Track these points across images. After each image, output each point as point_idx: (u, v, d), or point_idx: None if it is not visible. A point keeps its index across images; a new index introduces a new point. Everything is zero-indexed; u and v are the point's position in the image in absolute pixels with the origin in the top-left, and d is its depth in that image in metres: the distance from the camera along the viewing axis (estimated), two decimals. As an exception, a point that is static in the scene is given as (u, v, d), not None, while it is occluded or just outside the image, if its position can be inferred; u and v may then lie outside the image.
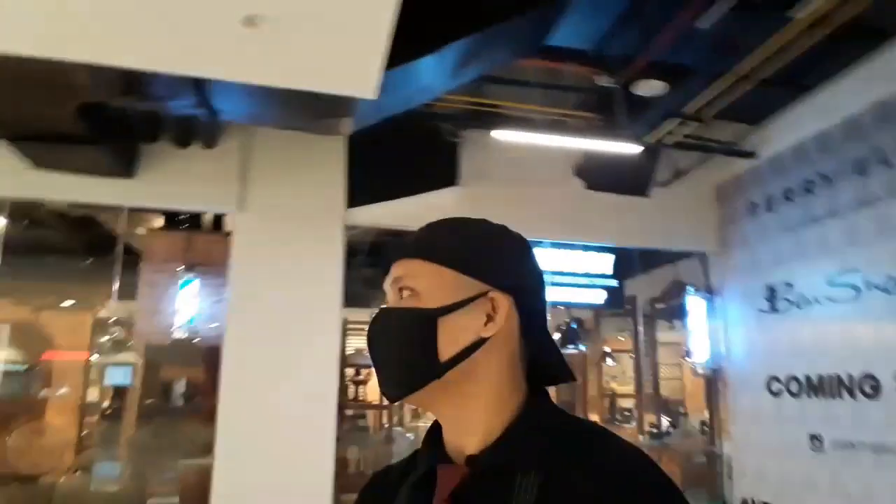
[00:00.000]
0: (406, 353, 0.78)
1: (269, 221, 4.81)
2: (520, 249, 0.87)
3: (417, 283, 0.79)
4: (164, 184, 4.73)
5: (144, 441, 5.39)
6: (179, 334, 4.96)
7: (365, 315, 6.58)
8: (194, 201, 4.88)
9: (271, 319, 4.61)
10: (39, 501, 5.17)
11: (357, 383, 5.46)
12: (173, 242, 5.40)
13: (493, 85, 4.64)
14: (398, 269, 0.81)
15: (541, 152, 4.85)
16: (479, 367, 0.77)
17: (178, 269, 5.24)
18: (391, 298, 0.82)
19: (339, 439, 4.68)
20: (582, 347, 9.23)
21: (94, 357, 7.75)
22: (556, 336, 8.57)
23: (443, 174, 4.94)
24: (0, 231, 5.62)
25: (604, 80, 4.18)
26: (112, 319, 6.88)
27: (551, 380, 0.85)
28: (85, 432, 7.54)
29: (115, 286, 4.87)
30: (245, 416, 4.41)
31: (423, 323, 0.76)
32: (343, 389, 5.06)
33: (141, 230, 5.69)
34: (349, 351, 5.89)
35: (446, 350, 0.76)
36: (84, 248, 5.63)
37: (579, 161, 5.14)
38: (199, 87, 3.19)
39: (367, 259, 6.80)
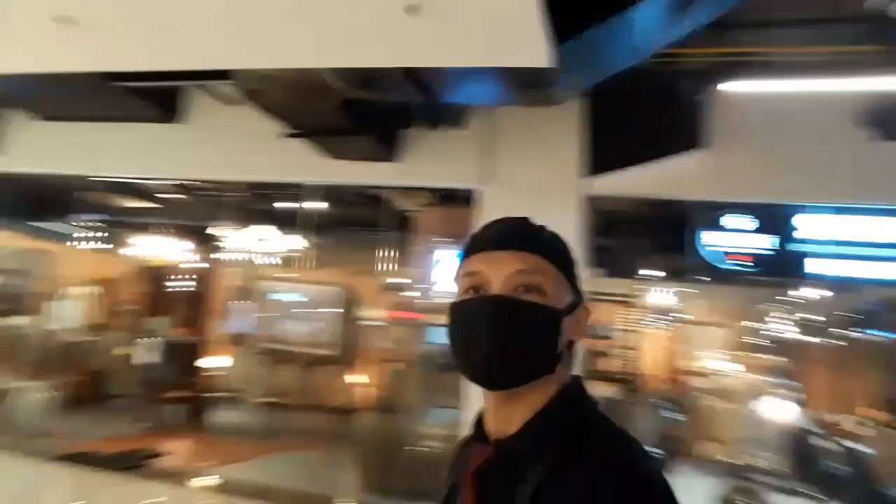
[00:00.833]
0: (535, 346, 0.83)
1: (509, 195, 5.02)
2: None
3: (546, 282, 0.84)
4: (419, 164, 5.31)
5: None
6: (439, 299, 5.54)
7: (623, 286, 6.38)
8: (444, 178, 5.35)
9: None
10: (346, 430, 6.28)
11: (596, 354, 5.39)
12: (437, 217, 6.02)
13: (740, 30, 4.05)
14: (519, 261, 0.85)
15: (808, 103, 4.08)
16: (563, 364, 0.87)
17: (440, 241, 5.84)
18: (503, 286, 0.84)
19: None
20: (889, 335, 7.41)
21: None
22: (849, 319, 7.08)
23: (683, 137, 4.51)
24: (318, 212, 7.00)
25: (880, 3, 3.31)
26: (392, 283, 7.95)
27: None
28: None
29: (385, 255, 5.66)
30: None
31: (554, 321, 0.83)
32: (583, 361, 5.06)
33: (415, 206, 6.45)
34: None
35: (560, 348, 0.84)
36: (375, 222, 6.59)
37: (865, 108, 4.16)
38: (411, 76, 3.53)
39: (629, 228, 6.58)
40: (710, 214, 5.18)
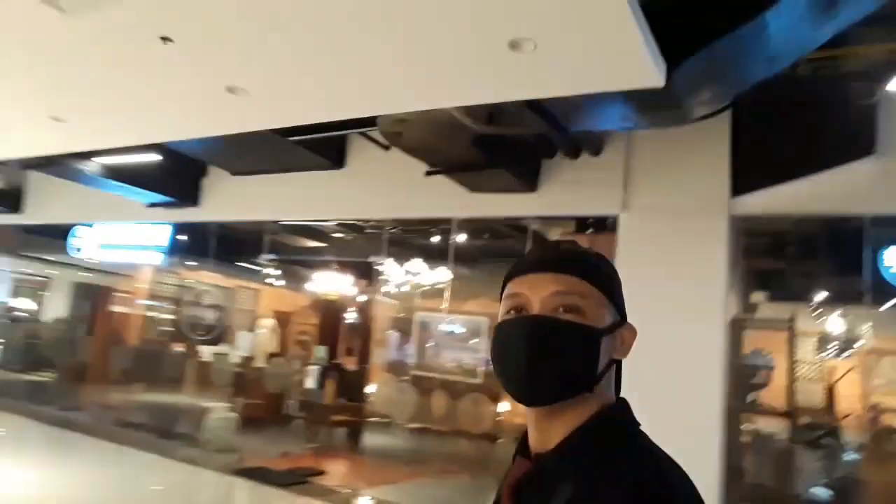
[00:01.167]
0: (572, 364, 0.85)
1: (651, 220, 4.86)
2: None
3: (585, 302, 0.86)
4: (559, 193, 5.32)
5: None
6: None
7: (788, 311, 5.77)
8: (584, 207, 5.31)
9: (652, 318, 4.62)
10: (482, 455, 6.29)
11: (753, 387, 4.87)
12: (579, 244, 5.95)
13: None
14: (558, 282, 0.87)
15: None
16: (603, 383, 0.89)
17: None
18: (542, 307, 0.87)
19: (732, 447, 4.36)
20: None
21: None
22: None
23: (850, 145, 4.07)
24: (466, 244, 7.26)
25: None
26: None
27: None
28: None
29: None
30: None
31: (593, 340, 0.85)
32: (738, 392, 4.65)
33: (555, 234, 6.44)
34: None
35: (599, 366, 0.86)
36: (521, 252, 6.69)
37: None
38: (533, 108, 3.61)
39: (797, 248, 5.99)
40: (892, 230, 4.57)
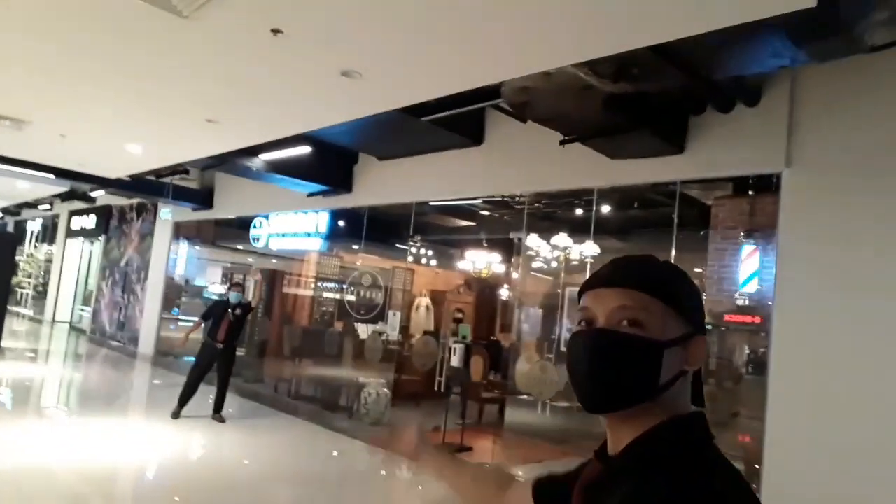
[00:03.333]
0: (632, 375, 0.91)
1: (821, 175, 4.19)
2: (700, 295, 1.01)
3: (646, 317, 0.91)
4: (710, 152, 4.79)
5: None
6: (741, 301, 4.90)
7: None
8: (740, 165, 4.71)
9: (829, 288, 4.02)
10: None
11: None
12: (737, 208, 5.34)
13: None
14: (623, 297, 0.93)
15: None
16: (671, 393, 0.92)
17: (740, 235, 5.16)
18: (606, 321, 0.94)
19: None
20: None
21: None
22: None
23: None
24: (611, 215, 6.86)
25: None
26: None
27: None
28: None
29: (672, 253, 5.20)
30: (799, 401, 4.02)
31: (654, 353, 0.90)
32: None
33: (709, 198, 5.83)
34: None
35: (663, 377, 0.91)
36: (669, 220, 6.18)
37: None
38: (665, 57, 3.23)
39: None
40: None
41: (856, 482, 3.73)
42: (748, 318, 5.00)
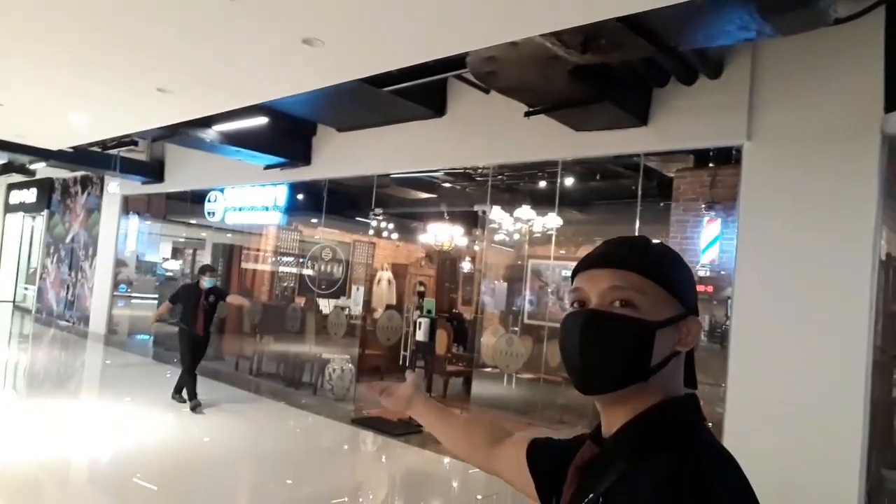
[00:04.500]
0: (624, 356, 0.91)
1: (780, 148, 4.26)
2: (693, 275, 1.02)
3: (639, 297, 0.91)
4: (673, 125, 4.81)
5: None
6: (703, 272, 4.99)
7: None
8: (702, 138, 4.76)
9: (786, 260, 4.12)
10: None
11: None
12: (699, 180, 5.41)
13: None
14: (615, 278, 0.93)
15: None
16: (664, 374, 0.91)
17: (702, 207, 5.24)
18: (599, 301, 0.93)
19: (880, 405, 3.82)
20: None
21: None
22: None
23: None
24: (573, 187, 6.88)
25: None
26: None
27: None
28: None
29: (636, 225, 5.26)
30: (756, 370, 4.14)
31: (646, 333, 0.90)
32: (892, 343, 4.03)
33: (671, 170, 5.89)
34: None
35: (655, 358, 0.90)
36: (632, 193, 6.24)
37: None
38: (632, 28, 3.19)
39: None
40: None
41: (812, 447, 3.87)
42: (710, 289, 5.11)
